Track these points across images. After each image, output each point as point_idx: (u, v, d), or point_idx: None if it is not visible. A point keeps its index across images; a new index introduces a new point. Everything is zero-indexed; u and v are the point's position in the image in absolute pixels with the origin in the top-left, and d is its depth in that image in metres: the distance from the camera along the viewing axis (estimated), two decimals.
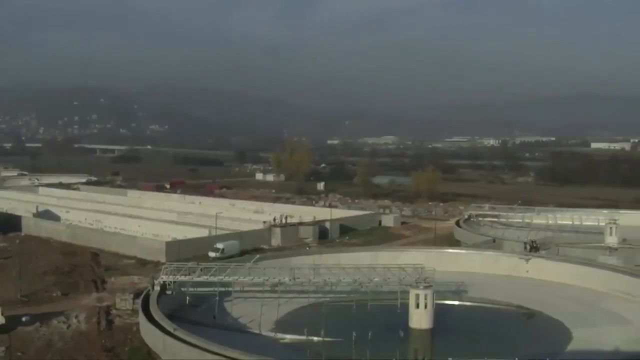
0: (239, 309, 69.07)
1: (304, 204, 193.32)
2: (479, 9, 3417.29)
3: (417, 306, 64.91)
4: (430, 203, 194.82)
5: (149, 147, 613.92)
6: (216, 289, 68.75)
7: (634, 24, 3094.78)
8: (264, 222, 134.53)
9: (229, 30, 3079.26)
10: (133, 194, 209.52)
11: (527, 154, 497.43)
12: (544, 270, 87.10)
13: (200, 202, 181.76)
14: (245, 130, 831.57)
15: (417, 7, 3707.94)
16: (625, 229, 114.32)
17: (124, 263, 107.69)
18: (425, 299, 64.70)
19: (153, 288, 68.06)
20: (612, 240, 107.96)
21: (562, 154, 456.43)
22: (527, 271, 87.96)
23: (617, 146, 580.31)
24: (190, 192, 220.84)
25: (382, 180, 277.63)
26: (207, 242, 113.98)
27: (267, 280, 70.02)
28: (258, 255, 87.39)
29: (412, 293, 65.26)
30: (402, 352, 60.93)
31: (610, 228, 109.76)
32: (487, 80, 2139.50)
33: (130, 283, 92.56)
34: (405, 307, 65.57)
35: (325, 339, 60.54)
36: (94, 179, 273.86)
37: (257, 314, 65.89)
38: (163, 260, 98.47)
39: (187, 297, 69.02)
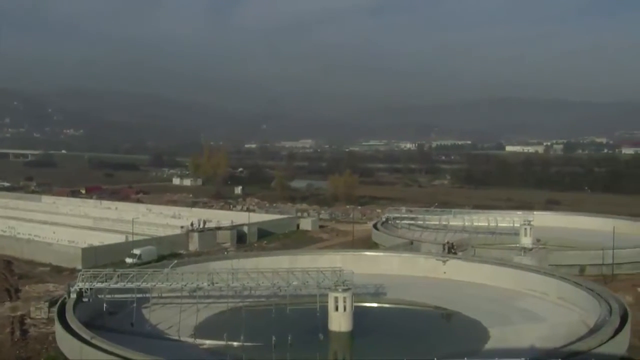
0: (157, 315, 68.22)
1: (221, 208, 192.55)
2: (398, 15, 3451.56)
3: (336, 309, 64.95)
4: (347, 206, 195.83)
5: (63, 151, 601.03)
6: (134, 295, 67.54)
7: (550, 30, 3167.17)
8: (182, 227, 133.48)
9: (145, 32, 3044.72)
10: (47, 200, 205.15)
11: (443, 157, 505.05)
12: (460, 271, 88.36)
13: (116, 208, 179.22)
14: (162, 134, 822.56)
15: (338, 12, 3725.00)
16: (539, 229, 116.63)
17: (38, 271, 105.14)
18: (344, 301, 64.79)
19: (69, 296, 66.52)
20: (526, 241, 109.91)
21: (477, 156, 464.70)
22: (445, 272, 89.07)
23: (531, 149, 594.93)
24: (107, 197, 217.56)
25: (299, 184, 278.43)
26: (124, 248, 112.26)
27: (185, 285, 69.26)
28: (176, 261, 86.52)
29: (331, 296, 65.32)
30: (322, 354, 61.07)
31: (525, 229, 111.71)
32: (404, 85, 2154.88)
33: (46, 291, 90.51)
34: (324, 310, 65.55)
35: (245, 343, 60.27)
36: (6, 184, 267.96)
37: (176, 320, 65.26)
38: (79, 267, 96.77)
39: (104, 305, 67.58)
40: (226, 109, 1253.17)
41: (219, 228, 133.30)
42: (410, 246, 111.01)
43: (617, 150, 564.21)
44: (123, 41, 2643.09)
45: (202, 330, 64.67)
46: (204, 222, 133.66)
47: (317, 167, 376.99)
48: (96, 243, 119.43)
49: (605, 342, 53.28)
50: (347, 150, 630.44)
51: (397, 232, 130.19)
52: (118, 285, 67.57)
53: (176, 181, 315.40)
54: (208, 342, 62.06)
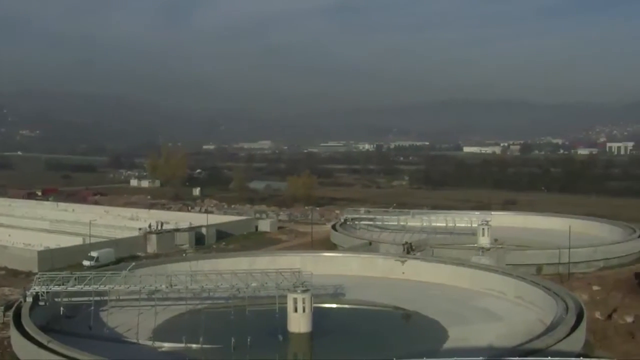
0: (115, 318, 67.66)
1: (180, 210, 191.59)
2: (357, 16, 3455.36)
3: (296, 310, 65.01)
4: (306, 207, 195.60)
5: (19, 153, 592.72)
6: (91, 298, 67.07)
7: (502, 33, 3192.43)
8: (140, 229, 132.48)
9: (100, 32, 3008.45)
10: (3, 202, 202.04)
11: (401, 158, 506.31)
12: (419, 271, 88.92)
13: (73, 210, 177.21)
14: (120, 136, 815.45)
15: (297, 13, 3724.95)
16: (497, 229, 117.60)
17: None
18: (303, 302, 64.87)
19: (25, 299, 65.73)
20: (484, 241, 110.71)
21: (435, 157, 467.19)
22: (403, 272, 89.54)
23: (488, 150, 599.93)
24: (63, 199, 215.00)
25: (258, 185, 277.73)
26: (81, 251, 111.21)
27: (143, 288, 68.79)
28: (134, 263, 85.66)
29: (290, 297, 65.32)
30: (281, 356, 61.20)
31: (483, 229, 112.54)
32: (363, 86, 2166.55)
33: (1, 295, 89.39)
34: (283, 312, 65.56)
35: (204, 345, 60.05)
36: None
37: (134, 323, 64.72)
38: (35, 270, 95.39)
39: (62, 308, 66.94)
40: (184, 110, 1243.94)
41: (177, 230, 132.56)
42: (369, 247, 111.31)
43: (572, 151, 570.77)
44: (77, 41, 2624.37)
45: (160, 332, 64.30)
46: (162, 224, 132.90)
47: (276, 169, 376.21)
48: (53, 246, 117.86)
49: (562, 340, 54.11)
50: (305, 151, 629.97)
51: (355, 233, 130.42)
52: (75, 289, 66.95)
53: (134, 183, 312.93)
54: (167, 345, 61.74)
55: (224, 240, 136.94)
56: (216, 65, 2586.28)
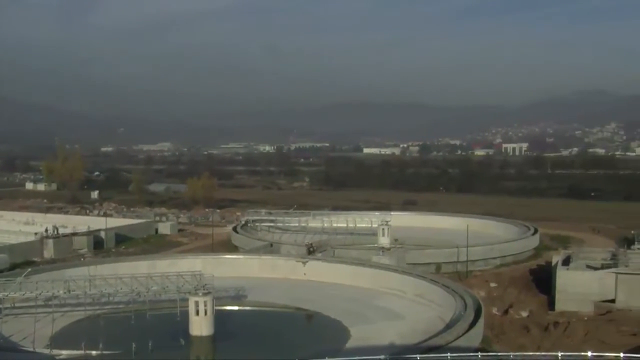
0: (10, 327, 65.56)
1: (77, 213, 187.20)
2: (256, 17, 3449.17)
3: (197, 313, 64.35)
4: (207, 209, 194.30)
5: None
6: None
7: (403, 36, 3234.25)
8: (36, 233, 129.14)
9: None
10: None
11: (302, 160, 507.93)
12: (320, 271, 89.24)
13: None
14: (13, 138, 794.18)
15: (195, 13, 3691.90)
16: (397, 229, 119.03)
17: None
18: (205, 305, 64.24)
19: None
20: (384, 240, 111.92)
21: (336, 159, 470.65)
22: (305, 273, 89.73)
23: (387, 151, 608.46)
24: None
25: (158, 187, 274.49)
26: None
27: (40, 294, 67.07)
28: (29, 269, 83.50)
29: (192, 300, 64.59)
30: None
31: (383, 229, 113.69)
32: (262, 87, 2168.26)
33: None
34: (185, 315, 64.85)
35: (104, 352, 58.87)
36: None
37: (31, 330, 62.84)
38: None
39: None
40: (82, 112, 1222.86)
41: (75, 234, 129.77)
42: (270, 248, 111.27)
43: (470, 152, 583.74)
44: None
45: (58, 340, 62.61)
46: (56, 228, 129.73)
47: (176, 171, 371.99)
48: None
49: (461, 336, 55.16)
50: (205, 153, 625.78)
51: (256, 235, 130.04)
52: None
53: (29, 186, 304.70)
54: (65, 353, 60.20)
55: (123, 244, 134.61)
56: (115, 66, 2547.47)
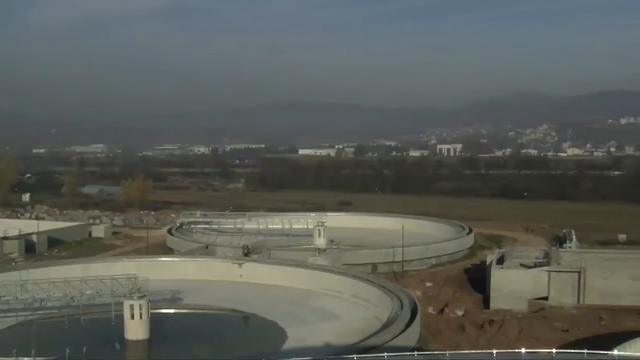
0: None
1: (8, 216, 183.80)
2: (193, 17, 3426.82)
3: (132, 317, 63.62)
4: (141, 212, 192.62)
5: None
6: None
7: (345, 38, 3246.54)
8: None
9: None
10: None
11: (237, 161, 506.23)
12: (256, 273, 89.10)
13: None
14: None
15: (130, 13, 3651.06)
16: (333, 230, 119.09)
17: None
18: (140, 309, 63.51)
19: None
20: (320, 241, 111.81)
21: (271, 160, 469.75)
22: (241, 275, 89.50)
23: (323, 152, 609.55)
24: None
25: (91, 189, 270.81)
26: None
27: None
28: None
29: (126, 304, 63.80)
30: None
31: (319, 230, 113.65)
32: (197, 88, 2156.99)
33: None
34: (120, 319, 64.08)
35: (37, 358, 57.75)
36: None
37: None
38: None
39: None
40: (12, 113, 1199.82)
41: (5, 238, 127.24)
42: (206, 250, 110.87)
43: (404, 152, 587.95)
44: None
45: None
46: None
47: (110, 173, 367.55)
48: None
49: (397, 336, 55.60)
50: (140, 154, 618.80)
51: (192, 237, 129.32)
52: None
53: None
54: None
55: (56, 248, 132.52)
56: (47, 67, 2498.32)
